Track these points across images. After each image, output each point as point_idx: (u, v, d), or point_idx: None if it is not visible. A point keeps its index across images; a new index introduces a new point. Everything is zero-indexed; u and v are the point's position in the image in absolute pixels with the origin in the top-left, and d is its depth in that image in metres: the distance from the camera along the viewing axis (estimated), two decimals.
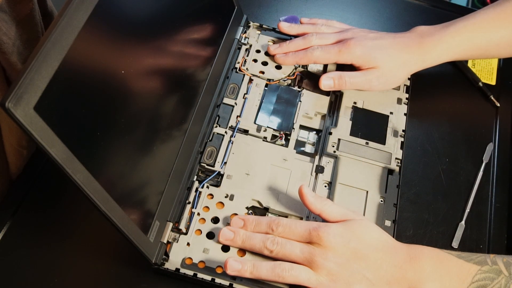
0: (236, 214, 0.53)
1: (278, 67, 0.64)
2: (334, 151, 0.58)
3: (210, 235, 0.52)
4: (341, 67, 0.63)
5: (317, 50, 0.60)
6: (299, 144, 0.59)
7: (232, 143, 0.58)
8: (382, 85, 0.61)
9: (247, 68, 0.64)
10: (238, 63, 0.64)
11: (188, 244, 0.51)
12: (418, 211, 0.57)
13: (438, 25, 0.60)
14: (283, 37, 0.67)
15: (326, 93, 0.63)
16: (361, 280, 0.46)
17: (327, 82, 0.60)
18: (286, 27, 0.65)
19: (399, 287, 0.46)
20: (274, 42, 0.67)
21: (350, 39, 0.60)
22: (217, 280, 0.49)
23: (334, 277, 0.46)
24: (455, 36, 0.58)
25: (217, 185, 0.55)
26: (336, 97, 0.63)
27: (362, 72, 0.60)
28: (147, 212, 0.48)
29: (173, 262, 0.50)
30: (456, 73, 0.68)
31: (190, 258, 0.50)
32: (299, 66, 0.65)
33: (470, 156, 0.61)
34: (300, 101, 0.62)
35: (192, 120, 0.55)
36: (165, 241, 0.50)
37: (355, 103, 0.62)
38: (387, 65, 0.59)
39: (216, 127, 0.59)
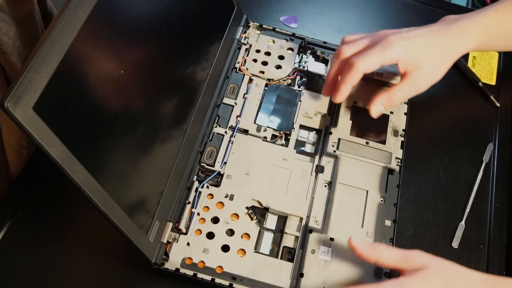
0: (236, 214, 0.53)
1: (278, 66, 0.64)
2: (334, 151, 0.58)
3: (210, 235, 0.52)
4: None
5: (359, 60, 0.53)
6: (299, 144, 0.59)
7: (232, 143, 0.58)
8: (429, 82, 0.56)
9: (247, 68, 0.64)
10: (238, 63, 0.64)
11: (188, 244, 0.51)
12: (418, 211, 0.57)
13: (471, 12, 0.58)
14: (283, 37, 0.67)
15: None
16: None
17: (377, 108, 0.56)
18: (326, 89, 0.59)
19: None
20: (274, 42, 0.67)
21: (388, 35, 0.54)
22: (217, 280, 0.49)
23: None
24: (491, 18, 0.56)
25: (217, 185, 0.55)
26: None
27: (407, 81, 0.55)
28: (147, 212, 0.48)
29: (173, 262, 0.50)
30: (456, 73, 0.68)
31: (190, 258, 0.50)
32: (299, 66, 0.65)
33: (470, 156, 0.61)
34: (300, 101, 0.62)
35: (192, 120, 0.55)
36: (165, 241, 0.50)
37: (355, 102, 0.62)
38: (431, 59, 0.54)
39: (216, 127, 0.59)
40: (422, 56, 0.54)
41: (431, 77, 0.55)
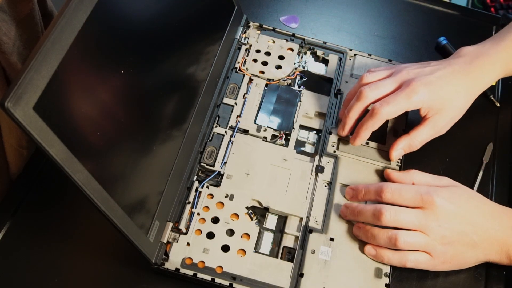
0: (236, 214, 0.53)
1: (278, 66, 0.64)
2: (334, 151, 0.58)
3: (210, 235, 0.52)
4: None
5: (384, 108, 0.52)
6: (299, 144, 0.59)
7: (232, 143, 0.58)
8: (450, 124, 0.56)
9: (247, 68, 0.64)
10: (238, 63, 0.64)
11: (188, 244, 0.51)
12: None
13: (485, 42, 0.58)
14: (283, 37, 0.67)
15: (326, 93, 0.63)
16: (468, 243, 0.49)
17: (398, 153, 0.56)
18: (341, 129, 0.57)
19: (501, 249, 0.50)
20: (274, 42, 0.67)
21: (411, 80, 0.53)
22: (217, 280, 0.49)
23: (445, 241, 0.49)
24: (508, 51, 0.56)
25: (217, 185, 0.55)
26: (336, 97, 0.63)
27: (428, 125, 0.55)
28: (147, 212, 0.47)
29: (173, 262, 0.50)
30: None
31: (190, 258, 0.50)
32: (299, 66, 0.65)
33: (470, 156, 0.61)
34: (300, 101, 0.62)
35: (192, 120, 0.55)
36: (165, 241, 0.50)
37: None
38: (454, 103, 0.54)
39: (216, 127, 0.59)
40: (445, 101, 0.54)
41: (452, 120, 0.56)
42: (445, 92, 0.54)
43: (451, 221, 0.49)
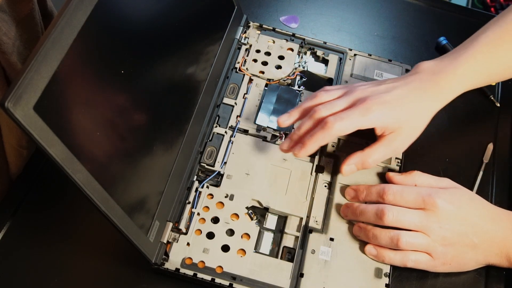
0: (236, 214, 0.53)
1: (278, 66, 0.64)
2: (334, 151, 0.58)
3: (210, 235, 0.52)
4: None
5: (336, 122, 0.50)
6: None
7: (232, 143, 0.58)
8: (407, 144, 0.54)
9: (247, 68, 0.64)
10: (238, 63, 0.64)
11: (188, 244, 0.51)
12: None
13: (444, 57, 0.55)
14: (283, 37, 0.67)
15: None
16: (468, 244, 0.49)
17: (349, 168, 0.53)
18: (285, 121, 0.55)
19: (500, 252, 0.50)
20: (274, 42, 0.67)
21: (366, 98, 0.52)
22: (217, 280, 0.49)
23: (446, 242, 0.49)
24: (468, 67, 0.54)
25: (217, 185, 0.55)
26: None
27: (383, 144, 0.53)
28: (147, 212, 0.47)
29: (173, 262, 0.50)
30: None
31: (190, 258, 0.50)
32: (299, 66, 0.65)
33: (470, 156, 0.61)
34: (300, 101, 0.62)
35: (192, 120, 0.55)
36: (165, 241, 0.50)
37: None
38: (410, 123, 0.52)
39: (216, 127, 0.59)
40: (401, 121, 0.52)
41: (409, 139, 0.54)
42: (401, 111, 0.52)
43: (452, 222, 0.49)
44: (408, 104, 0.52)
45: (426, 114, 0.54)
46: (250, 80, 0.63)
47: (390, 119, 0.51)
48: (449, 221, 0.49)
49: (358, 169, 0.54)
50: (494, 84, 0.66)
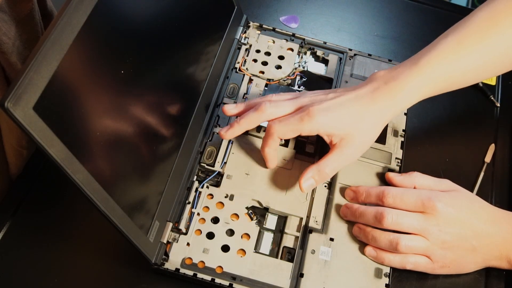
0: (236, 214, 0.53)
1: (278, 66, 0.64)
2: None
3: (210, 235, 0.52)
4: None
5: (276, 126, 0.51)
6: (299, 144, 0.59)
7: (232, 143, 0.58)
8: (361, 150, 0.53)
9: (247, 68, 0.64)
10: (238, 63, 0.64)
11: (188, 244, 0.51)
12: None
13: (399, 66, 0.53)
14: (283, 37, 0.67)
15: None
16: (468, 247, 0.49)
17: (307, 183, 0.52)
18: (231, 109, 0.55)
19: (500, 254, 0.50)
20: (274, 42, 0.67)
21: (310, 104, 0.51)
22: (217, 280, 0.49)
23: (445, 245, 0.49)
24: (424, 75, 0.51)
25: (217, 185, 0.55)
26: None
27: (337, 152, 0.52)
28: (147, 212, 0.47)
29: (173, 262, 0.50)
30: None
31: (190, 258, 0.50)
32: (299, 66, 0.65)
33: (470, 156, 0.61)
34: None
35: (192, 120, 0.55)
36: (165, 241, 0.50)
37: None
38: (359, 130, 0.51)
39: (216, 127, 0.59)
40: (347, 128, 0.51)
41: (362, 146, 0.53)
42: (344, 119, 0.51)
43: (452, 226, 0.49)
44: (352, 112, 0.51)
45: (375, 121, 0.52)
46: (250, 80, 0.63)
47: (335, 127, 0.51)
48: (449, 224, 0.49)
49: (317, 182, 0.52)
50: (482, 85, 0.66)
